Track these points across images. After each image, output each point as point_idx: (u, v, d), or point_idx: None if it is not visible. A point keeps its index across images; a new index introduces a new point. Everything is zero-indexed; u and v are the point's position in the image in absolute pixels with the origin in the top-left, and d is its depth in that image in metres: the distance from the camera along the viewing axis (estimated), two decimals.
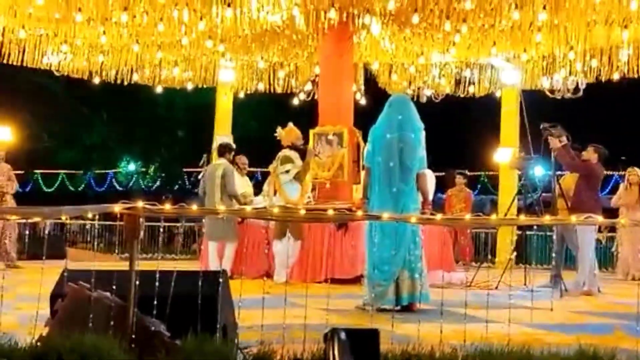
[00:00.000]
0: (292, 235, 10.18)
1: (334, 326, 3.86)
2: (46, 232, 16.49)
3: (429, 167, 11.65)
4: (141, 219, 4.13)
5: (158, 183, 30.20)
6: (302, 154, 10.76)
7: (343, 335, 3.61)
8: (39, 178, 28.34)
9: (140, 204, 4.08)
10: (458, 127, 24.76)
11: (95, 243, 18.56)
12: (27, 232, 14.37)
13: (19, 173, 26.71)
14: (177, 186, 28.23)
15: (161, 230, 16.77)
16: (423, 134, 7.40)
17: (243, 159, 11.99)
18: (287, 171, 10.47)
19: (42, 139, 29.00)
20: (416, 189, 7.20)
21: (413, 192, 7.14)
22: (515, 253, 12.90)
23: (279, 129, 10.90)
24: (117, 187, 29.22)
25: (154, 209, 4.03)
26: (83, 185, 29.35)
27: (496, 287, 9.68)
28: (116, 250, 17.08)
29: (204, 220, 11.67)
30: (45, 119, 27.81)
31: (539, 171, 13.53)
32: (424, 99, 16.10)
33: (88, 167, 29.51)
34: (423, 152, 7.34)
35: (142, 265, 4.28)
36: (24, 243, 13.57)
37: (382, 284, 6.96)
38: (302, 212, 4.34)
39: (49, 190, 28.21)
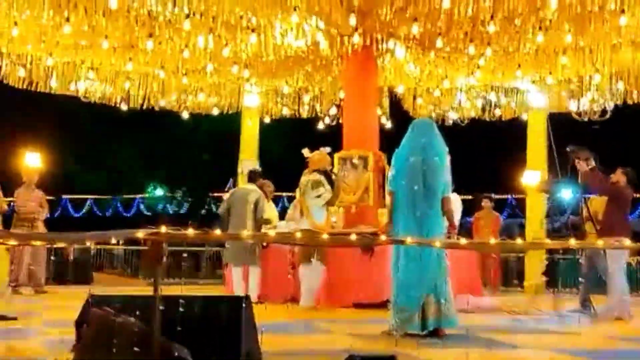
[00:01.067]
0: (318, 260, 10.15)
1: (358, 352, 3.82)
2: (72, 257, 16.55)
3: (455, 190, 11.62)
4: (164, 245, 4.12)
5: (185, 208, 30.34)
6: (329, 178, 10.75)
7: None
8: (67, 203, 28.60)
9: (163, 229, 4.07)
10: (485, 151, 24.66)
11: (122, 268, 18.67)
12: (53, 258, 14.51)
13: (50, 199, 27.06)
14: (203, 211, 28.33)
15: (185, 255, 16.81)
16: (448, 157, 7.34)
17: (271, 186, 11.95)
18: (319, 195, 10.43)
19: (70, 165, 29.29)
20: (441, 213, 7.14)
21: (438, 216, 7.06)
22: (544, 277, 12.79)
23: (306, 150, 10.88)
24: (145, 212, 29.41)
25: (177, 234, 4.02)
26: (111, 210, 29.57)
27: (525, 312, 9.57)
28: (143, 275, 17.14)
29: (226, 245, 11.63)
30: (73, 145, 28.10)
31: (566, 194, 13.39)
32: (449, 123, 16.06)
33: (115, 192, 29.74)
34: (448, 175, 7.26)
35: (169, 290, 4.28)
36: (50, 268, 13.68)
37: (408, 309, 6.89)
38: (326, 236, 4.30)
39: (77, 215, 28.46)
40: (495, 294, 11.76)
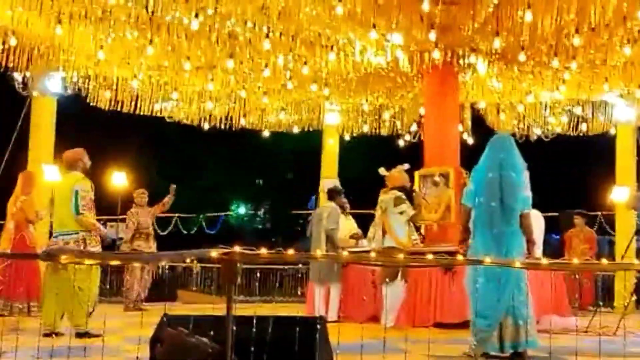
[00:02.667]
0: (403, 278, 10.04)
1: None
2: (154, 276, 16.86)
3: (536, 207, 11.34)
4: (239, 264, 4.11)
5: (268, 225, 30.60)
6: (409, 195, 10.65)
7: None
8: (154, 222, 29.12)
9: (237, 248, 4.06)
10: (572, 166, 24.08)
11: (205, 285, 18.89)
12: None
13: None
14: (286, 228, 28.52)
15: (257, 275, 16.92)
16: (526, 173, 7.19)
17: (343, 200, 11.95)
18: (401, 212, 10.34)
19: (156, 184, 29.87)
20: (520, 230, 6.95)
21: (516, 233, 6.90)
22: (634, 296, 12.31)
23: (382, 169, 10.83)
24: (229, 229, 29.75)
25: (250, 254, 4.01)
26: (195, 228, 30.00)
27: (614, 333, 9.22)
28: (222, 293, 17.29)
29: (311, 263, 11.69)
30: (160, 164, 28.70)
31: None
32: (533, 138, 15.74)
33: (201, 210, 30.19)
34: (527, 192, 7.10)
35: (248, 308, 4.27)
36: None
37: (485, 330, 6.72)
38: (402, 256, 4.22)
39: (163, 233, 28.97)
40: (585, 314, 11.31)
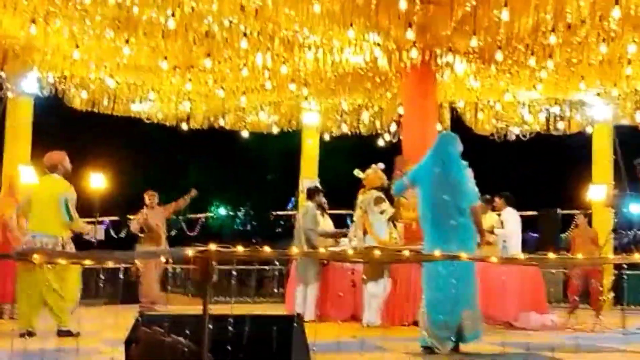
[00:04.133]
0: (388, 277, 10.05)
1: None
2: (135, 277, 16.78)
3: (514, 206, 11.38)
4: (213, 263, 4.08)
5: (248, 227, 30.50)
6: (387, 194, 10.66)
7: None
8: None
9: (212, 247, 4.04)
10: (550, 165, 24.20)
11: (184, 286, 18.81)
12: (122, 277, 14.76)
13: (114, 219, 27.51)
14: (266, 229, 28.43)
15: (233, 273, 16.87)
16: (468, 170, 7.39)
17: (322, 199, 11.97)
18: (382, 211, 10.36)
19: (137, 186, 29.71)
20: (470, 223, 7.11)
21: (467, 226, 7.06)
22: (611, 294, 12.41)
23: (357, 171, 10.84)
24: (208, 231, 29.60)
25: (225, 251, 3.98)
26: (175, 231, 29.83)
27: (592, 330, 9.28)
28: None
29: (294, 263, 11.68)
30: (141, 166, 28.53)
31: (634, 209, 12.98)
32: (512, 138, 15.80)
33: (181, 212, 30.02)
34: (473, 186, 7.32)
35: (227, 308, 4.24)
36: (117, 287, 13.89)
37: (448, 325, 6.79)
38: (378, 253, 4.21)
39: (143, 235, 28.79)
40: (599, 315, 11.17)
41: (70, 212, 8.45)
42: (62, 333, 7.83)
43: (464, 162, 7.42)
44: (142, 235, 12.91)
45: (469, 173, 7.38)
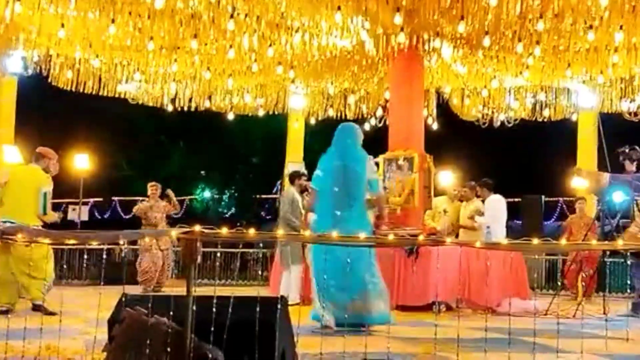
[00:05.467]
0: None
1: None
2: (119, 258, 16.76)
3: (499, 192, 11.40)
4: (198, 244, 4.07)
5: (233, 210, 30.46)
6: None
7: None
8: (117, 205, 28.88)
9: (197, 228, 4.02)
10: (534, 152, 24.30)
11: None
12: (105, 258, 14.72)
13: (98, 200, 27.41)
14: (250, 213, 28.41)
15: (217, 255, 16.88)
16: (370, 161, 7.57)
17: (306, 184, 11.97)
18: None
19: (121, 168, 29.61)
20: (365, 213, 7.32)
21: (357, 218, 7.21)
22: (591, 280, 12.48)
23: None
24: (193, 214, 29.54)
25: (210, 232, 3.97)
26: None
27: (573, 316, 9.34)
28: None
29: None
30: (124, 148, 28.42)
31: (618, 197, 13.04)
32: (497, 124, 15.84)
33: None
34: (373, 175, 7.48)
35: (211, 290, 4.23)
36: (101, 268, 13.85)
37: (337, 305, 6.93)
38: (363, 236, 4.21)
39: (127, 217, 28.71)
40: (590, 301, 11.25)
41: (47, 206, 8.72)
42: (36, 307, 8.15)
43: (365, 153, 7.56)
44: (142, 224, 12.84)
45: (370, 163, 7.54)
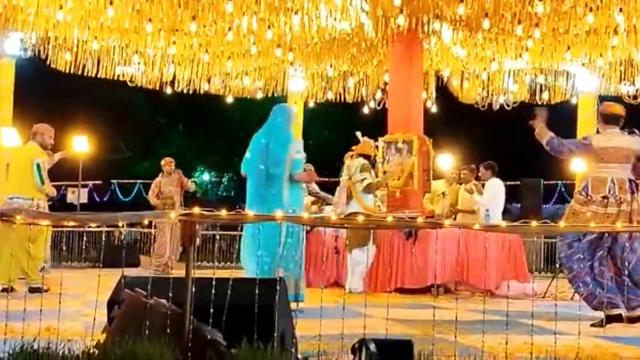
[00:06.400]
0: (374, 243, 10.10)
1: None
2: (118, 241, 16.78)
3: (497, 176, 11.42)
4: (197, 226, 4.08)
5: (232, 192, 30.48)
6: (372, 165, 10.78)
7: (372, 346, 3.36)
8: (116, 188, 28.89)
9: (196, 210, 4.03)
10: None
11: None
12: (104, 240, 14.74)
13: (97, 183, 27.40)
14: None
15: (216, 238, 16.92)
16: (297, 141, 7.71)
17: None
18: (362, 180, 10.39)
19: (120, 150, 29.59)
20: (282, 192, 7.38)
21: (277, 196, 7.33)
22: None
23: (359, 133, 10.85)
24: (192, 196, 29.53)
25: (209, 214, 3.97)
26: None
27: (571, 298, 9.36)
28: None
29: None
30: (123, 131, 28.38)
31: None
32: (496, 107, 15.81)
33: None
34: (298, 156, 7.54)
35: (211, 274, 4.24)
36: (100, 251, 13.86)
37: None
38: (361, 218, 4.22)
39: (126, 199, 28.72)
40: None
41: (42, 175, 9.17)
42: (33, 289, 8.33)
43: (290, 134, 7.69)
44: (157, 201, 12.97)
45: (296, 144, 7.62)
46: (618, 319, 6.75)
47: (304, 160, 7.77)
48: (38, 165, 9.15)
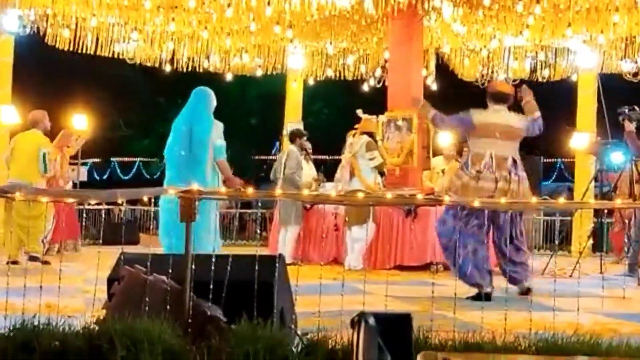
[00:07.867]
0: (374, 220, 10.12)
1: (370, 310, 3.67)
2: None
3: None
4: (196, 203, 4.08)
5: (232, 170, 30.40)
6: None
7: (371, 320, 3.35)
8: (116, 166, 28.90)
9: (195, 186, 4.03)
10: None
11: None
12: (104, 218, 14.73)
13: (97, 161, 27.38)
14: (249, 173, 28.41)
15: (216, 215, 16.93)
16: (218, 125, 7.71)
17: (306, 144, 11.92)
18: (372, 158, 10.40)
19: (119, 128, 29.52)
20: (206, 177, 7.39)
21: (202, 180, 7.18)
22: (591, 240, 12.54)
23: (360, 111, 10.84)
24: None
25: (208, 190, 3.98)
26: (159, 173, 29.77)
27: (570, 275, 9.40)
28: None
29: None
30: (122, 109, 28.29)
31: (617, 157, 13.01)
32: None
33: (162, 155, 29.89)
34: (219, 141, 7.61)
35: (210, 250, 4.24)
36: (99, 229, 13.87)
37: None
38: (361, 195, 4.22)
39: (126, 177, 28.74)
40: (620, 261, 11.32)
41: (47, 164, 9.91)
42: (32, 258, 8.89)
43: (212, 118, 7.72)
44: None
45: (217, 128, 7.66)
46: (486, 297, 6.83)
47: (224, 146, 7.73)
48: (44, 155, 9.85)
